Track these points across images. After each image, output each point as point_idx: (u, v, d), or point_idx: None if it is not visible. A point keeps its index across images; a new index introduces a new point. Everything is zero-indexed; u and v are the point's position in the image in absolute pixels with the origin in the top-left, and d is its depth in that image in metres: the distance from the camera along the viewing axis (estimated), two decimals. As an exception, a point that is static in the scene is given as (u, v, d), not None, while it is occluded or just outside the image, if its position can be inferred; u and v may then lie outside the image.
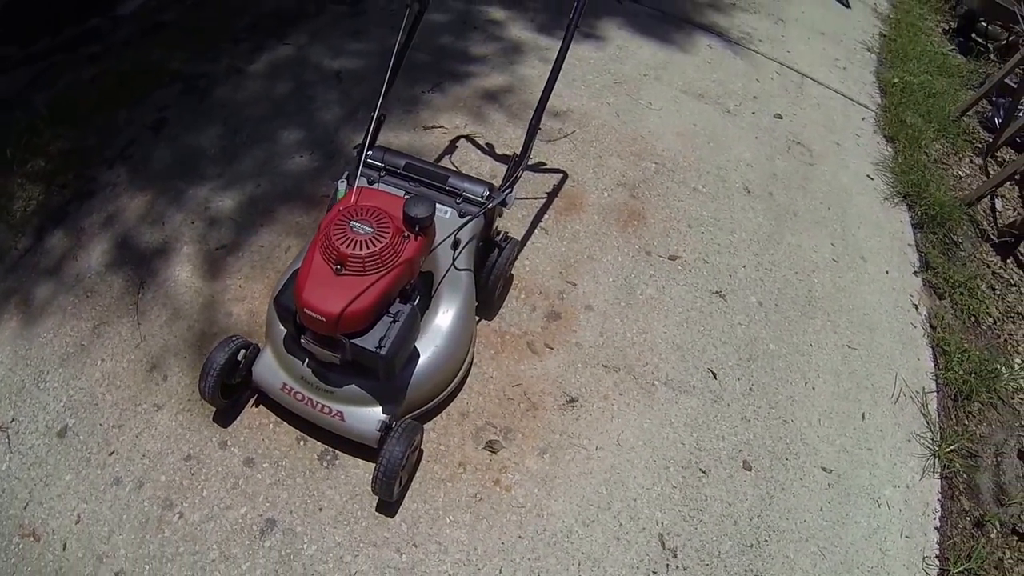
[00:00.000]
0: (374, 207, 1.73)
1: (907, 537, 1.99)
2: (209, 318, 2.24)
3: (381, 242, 1.65)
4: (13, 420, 2.03)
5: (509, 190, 1.95)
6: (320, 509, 1.83)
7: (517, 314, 2.30)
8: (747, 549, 1.87)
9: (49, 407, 2.05)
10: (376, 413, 1.79)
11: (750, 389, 2.23)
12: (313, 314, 1.61)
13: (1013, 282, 2.84)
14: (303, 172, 2.71)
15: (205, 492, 1.86)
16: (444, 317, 1.91)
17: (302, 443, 1.95)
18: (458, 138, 2.88)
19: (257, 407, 2.02)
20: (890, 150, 3.36)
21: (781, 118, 3.32)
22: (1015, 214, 3.13)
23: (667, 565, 1.81)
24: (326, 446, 1.95)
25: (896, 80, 3.85)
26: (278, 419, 2.00)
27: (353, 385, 1.80)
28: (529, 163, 2.82)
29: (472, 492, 1.88)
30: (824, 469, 2.08)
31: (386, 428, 1.76)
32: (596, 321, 2.31)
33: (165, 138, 2.85)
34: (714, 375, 2.24)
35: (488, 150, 2.85)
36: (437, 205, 1.95)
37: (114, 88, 3.02)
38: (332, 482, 1.88)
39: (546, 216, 2.63)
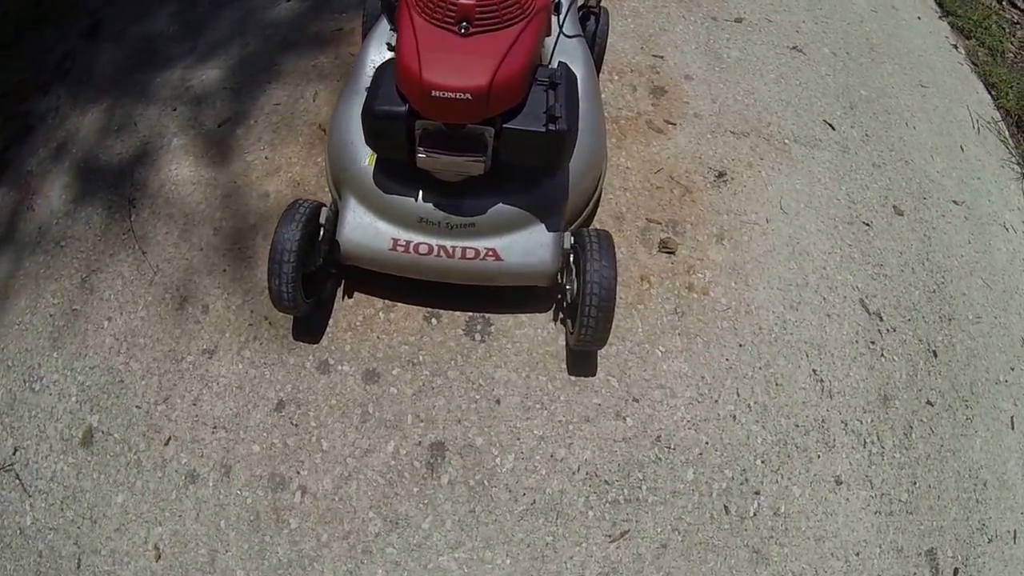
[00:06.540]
0: None
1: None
2: (238, 210, 1.50)
3: None
4: (16, 450, 1.26)
5: None
6: (497, 402, 1.26)
7: (620, 96, 1.73)
8: (932, 295, 1.60)
9: (57, 411, 1.29)
10: (542, 234, 1.20)
11: (866, 135, 1.87)
12: (449, 94, 0.99)
13: (1015, 20, 2.65)
14: (296, 16, 1.92)
15: (325, 444, 1.22)
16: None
17: (434, 321, 1.33)
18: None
19: (351, 297, 1.35)
20: None
21: None
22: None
23: (879, 331, 1.49)
24: (470, 313, 1.33)
25: None
26: (388, 301, 1.35)
27: (501, 204, 1.18)
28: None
29: (670, 308, 1.40)
30: (955, 202, 1.82)
31: (572, 247, 1.19)
32: (702, 89, 1.80)
33: (106, 39, 1.90)
34: (831, 126, 1.84)
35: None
36: None
37: (30, 11, 1.96)
38: (497, 360, 1.29)
39: (595, -10, 2.00)
